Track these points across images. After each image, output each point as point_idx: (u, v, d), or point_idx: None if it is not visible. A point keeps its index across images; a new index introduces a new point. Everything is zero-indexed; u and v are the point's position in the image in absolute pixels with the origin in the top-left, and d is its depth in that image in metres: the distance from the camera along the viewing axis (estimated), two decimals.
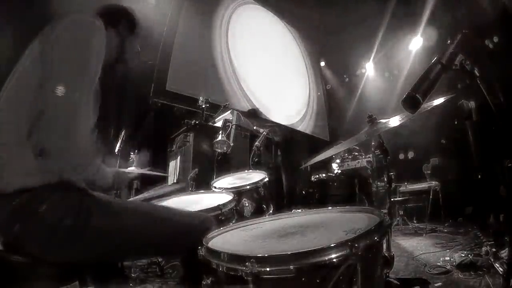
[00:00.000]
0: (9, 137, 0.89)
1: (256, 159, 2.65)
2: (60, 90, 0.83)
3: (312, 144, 6.97)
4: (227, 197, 1.47)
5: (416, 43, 6.69)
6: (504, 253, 2.04)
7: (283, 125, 6.01)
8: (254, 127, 3.61)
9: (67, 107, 0.85)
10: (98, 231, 0.91)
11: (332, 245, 0.66)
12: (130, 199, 1.46)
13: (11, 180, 0.85)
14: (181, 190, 1.81)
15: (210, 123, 3.29)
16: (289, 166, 4.41)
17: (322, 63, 8.61)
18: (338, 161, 4.61)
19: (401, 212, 4.31)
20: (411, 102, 0.83)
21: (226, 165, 2.59)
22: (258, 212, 1.70)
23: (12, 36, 2.74)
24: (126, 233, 0.96)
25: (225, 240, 0.96)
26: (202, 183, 2.02)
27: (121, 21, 1.18)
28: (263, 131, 3.30)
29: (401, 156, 6.44)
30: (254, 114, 4.26)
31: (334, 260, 0.65)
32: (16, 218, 0.84)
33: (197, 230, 1.00)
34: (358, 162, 4.43)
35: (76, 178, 0.91)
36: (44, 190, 0.87)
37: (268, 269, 0.66)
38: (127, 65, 1.26)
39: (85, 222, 0.89)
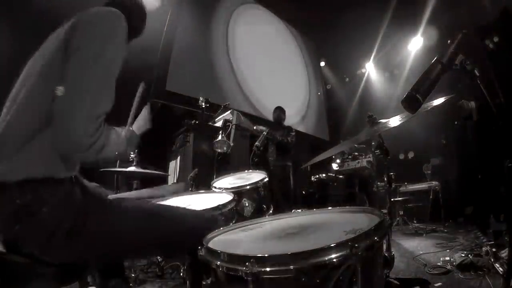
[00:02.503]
0: (23, 128, 0.88)
1: (256, 159, 2.65)
2: (75, 84, 0.84)
3: (312, 144, 6.97)
4: (227, 197, 1.46)
5: (416, 43, 6.70)
6: (504, 253, 2.04)
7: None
8: (254, 127, 3.61)
9: (84, 100, 0.85)
10: (98, 232, 0.91)
11: (332, 245, 0.66)
12: (126, 195, 1.42)
13: (18, 170, 0.85)
14: (180, 190, 1.80)
15: (210, 123, 3.29)
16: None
17: (322, 63, 8.62)
18: (338, 161, 4.62)
19: (401, 212, 4.32)
20: (411, 102, 0.83)
21: (226, 165, 2.59)
22: (258, 212, 1.70)
23: (12, 36, 2.74)
24: (127, 233, 0.96)
25: (225, 240, 0.96)
26: (202, 183, 2.01)
27: (133, 19, 1.13)
28: (263, 131, 3.30)
29: (401, 156, 6.45)
30: (281, 111, 4.31)
31: (334, 260, 0.65)
32: (17, 219, 0.84)
33: (202, 228, 0.99)
34: (358, 162, 4.44)
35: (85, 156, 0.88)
36: (45, 190, 0.87)
37: (268, 269, 0.66)
38: None
39: (86, 223, 0.88)
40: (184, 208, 1.24)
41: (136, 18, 1.16)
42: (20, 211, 0.84)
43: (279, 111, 4.33)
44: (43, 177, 0.86)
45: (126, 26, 0.97)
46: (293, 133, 4.15)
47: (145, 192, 1.51)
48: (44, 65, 0.91)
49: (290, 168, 4.15)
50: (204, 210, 1.28)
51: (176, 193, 1.62)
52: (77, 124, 0.83)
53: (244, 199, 1.67)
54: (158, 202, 1.48)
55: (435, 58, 0.85)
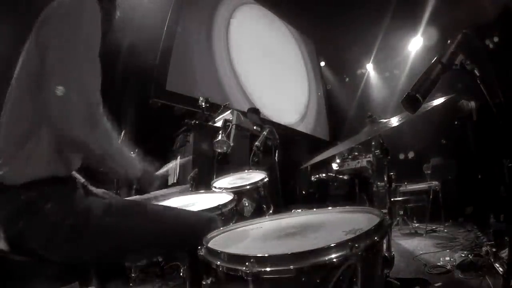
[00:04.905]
0: (18, 130, 0.89)
1: (256, 159, 2.65)
2: (58, 87, 0.82)
3: (312, 144, 6.97)
4: (227, 197, 1.46)
5: (416, 43, 6.70)
6: (504, 253, 2.04)
7: (282, 125, 6.00)
8: (254, 127, 3.60)
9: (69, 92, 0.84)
10: (101, 230, 0.91)
11: (332, 245, 0.66)
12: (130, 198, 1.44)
13: (22, 173, 0.86)
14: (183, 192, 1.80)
15: (210, 123, 3.29)
16: (289, 166, 4.41)
17: (322, 63, 8.61)
18: (338, 161, 4.62)
19: (401, 212, 4.31)
20: (411, 102, 0.83)
21: (226, 165, 2.59)
22: (258, 212, 1.70)
23: (12, 36, 2.74)
24: (129, 233, 0.96)
25: (225, 240, 0.96)
26: (202, 183, 2.01)
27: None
28: (263, 131, 3.30)
29: (401, 156, 6.44)
30: (255, 112, 4.19)
31: (334, 260, 0.65)
32: (21, 215, 0.85)
33: (202, 229, 0.99)
34: (358, 162, 4.44)
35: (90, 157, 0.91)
36: (50, 188, 0.88)
37: (268, 269, 0.66)
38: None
39: (88, 221, 0.89)
40: (184, 209, 1.24)
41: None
42: (24, 207, 0.85)
43: (254, 111, 4.13)
44: (46, 176, 0.87)
45: (97, 8, 0.92)
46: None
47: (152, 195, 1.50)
48: (25, 65, 0.92)
49: (277, 169, 4.05)
50: (204, 210, 1.28)
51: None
52: (73, 115, 0.83)
53: (244, 199, 1.67)
54: (158, 203, 1.49)
55: (435, 58, 0.85)
